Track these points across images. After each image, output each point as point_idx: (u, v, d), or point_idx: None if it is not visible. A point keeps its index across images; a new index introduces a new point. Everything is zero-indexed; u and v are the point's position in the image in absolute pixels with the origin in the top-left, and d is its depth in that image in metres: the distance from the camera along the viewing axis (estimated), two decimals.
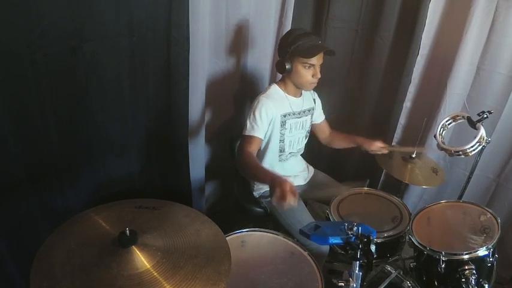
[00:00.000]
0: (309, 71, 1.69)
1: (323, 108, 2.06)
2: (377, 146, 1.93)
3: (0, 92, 1.21)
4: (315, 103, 1.97)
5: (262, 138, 1.73)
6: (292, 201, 1.28)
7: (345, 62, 2.45)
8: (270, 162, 1.88)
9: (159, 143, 1.82)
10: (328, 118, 2.12)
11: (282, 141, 1.83)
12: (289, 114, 1.80)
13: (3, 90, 1.22)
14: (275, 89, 1.80)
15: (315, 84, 1.76)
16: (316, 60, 1.67)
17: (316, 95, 2.00)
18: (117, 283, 0.96)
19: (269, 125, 1.74)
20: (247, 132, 1.69)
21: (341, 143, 2.08)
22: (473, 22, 1.99)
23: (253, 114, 1.70)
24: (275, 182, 1.34)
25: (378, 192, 1.97)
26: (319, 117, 2.04)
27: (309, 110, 1.92)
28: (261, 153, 1.87)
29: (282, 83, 1.82)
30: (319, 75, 1.71)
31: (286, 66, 1.68)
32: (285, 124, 1.80)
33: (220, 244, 1.15)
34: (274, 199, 1.31)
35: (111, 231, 1.11)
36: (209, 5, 1.82)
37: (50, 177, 1.45)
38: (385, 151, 1.94)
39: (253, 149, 1.69)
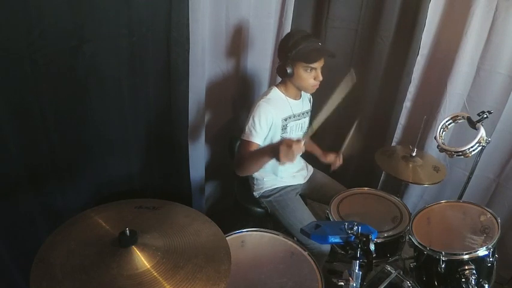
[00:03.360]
0: (311, 74, 1.69)
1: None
2: (331, 158, 2.02)
3: (0, 92, 1.21)
4: (310, 103, 1.97)
5: (261, 143, 1.72)
6: (299, 147, 1.31)
7: (345, 62, 2.46)
8: (271, 165, 1.88)
9: (159, 143, 1.82)
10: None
11: None
12: (289, 118, 1.80)
13: (3, 90, 1.22)
14: (276, 92, 1.79)
15: (317, 87, 1.76)
16: (318, 64, 1.67)
17: (310, 95, 1.99)
18: (117, 283, 0.96)
19: (269, 130, 1.73)
20: (246, 137, 1.68)
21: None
22: (473, 22, 1.99)
23: (253, 119, 1.68)
24: (275, 147, 1.35)
25: (377, 192, 1.97)
26: None
27: (307, 112, 1.92)
28: None
29: (282, 85, 1.81)
30: (321, 78, 1.71)
31: (288, 71, 1.67)
32: (286, 128, 1.80)
33: (220, 244, 1.15)
34: (282, 157, 1.32)
35: (111, 231, 1.11)
36: (209, 5, 1.82)
37: (50, 177, 1.45)
38: (339, 162, 2.02)
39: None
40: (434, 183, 1.95)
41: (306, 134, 1.53)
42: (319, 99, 2.02)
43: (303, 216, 1.80)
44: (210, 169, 2.30)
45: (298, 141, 1.32)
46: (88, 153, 1.55)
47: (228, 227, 1.44)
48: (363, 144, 2.03)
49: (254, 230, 1.56)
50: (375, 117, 2.52)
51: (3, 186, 1.33)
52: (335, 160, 2.01)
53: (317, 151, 2.10)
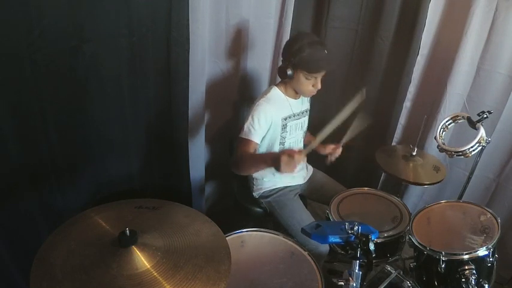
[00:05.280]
0: (310, 81, 1.68)
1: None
2: (330, 149, 1.88)
3: (0, 92, 1.21)
4: (309, 103, 1.97)
5: (259, 142, 1.71)
6: (300, 158, 1.37)
7: (344, 62, 2.45)
8: None
9: (159, 143, 1.82)
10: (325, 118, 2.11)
11: (282, 144, 1.83)
12: (289, 117, 1.80)
13: (3, 90, 1.22)
14: (275, 91, 1.79)
15: (314, 93, 1.75)
16: (319, 73, 1.66)
17: None
18: (117, 283, 0.96)
19: (268, 129, 1.73)
20: (244, 136, 1.68)
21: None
22: (473, 22, 1.99)
23: (252, 118, 1.68)
24: (276, 156, 1.40)
25: (377, 192, 1.97)
26: None
27: (306, 111, 1.93)
28: None
29: (282, 85, 1.80)
30: (319, 87, 1.70)
31: (288, 73, 1.66)
32: (286, 127, 1.80)
33: (220, 244, 1.15)
34: (283, 166, 1.36)
35: (111, 231, 1.11)
36: (209, 5, 1.82)
37: (50, 177, 1.45)
38: (339, 151, 1.88)
39: (248, 152, 1.69)
40: (434, 183, 1.95)
41: (309, 147, 1.57)
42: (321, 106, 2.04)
43: (301, 217, 1.80)
44: (210, 169, 2.30)
45: (300, 151, 1.35)
46: (88, 153, 1.55)
47: (228, 227, 1.44)
48: (365, 136, 1.96)
49: (254, 230, 1.56)
50: (375, 117, 2.52)
51: (3, 186, 1.33)
52: (334, 150, 1.87)
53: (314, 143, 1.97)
